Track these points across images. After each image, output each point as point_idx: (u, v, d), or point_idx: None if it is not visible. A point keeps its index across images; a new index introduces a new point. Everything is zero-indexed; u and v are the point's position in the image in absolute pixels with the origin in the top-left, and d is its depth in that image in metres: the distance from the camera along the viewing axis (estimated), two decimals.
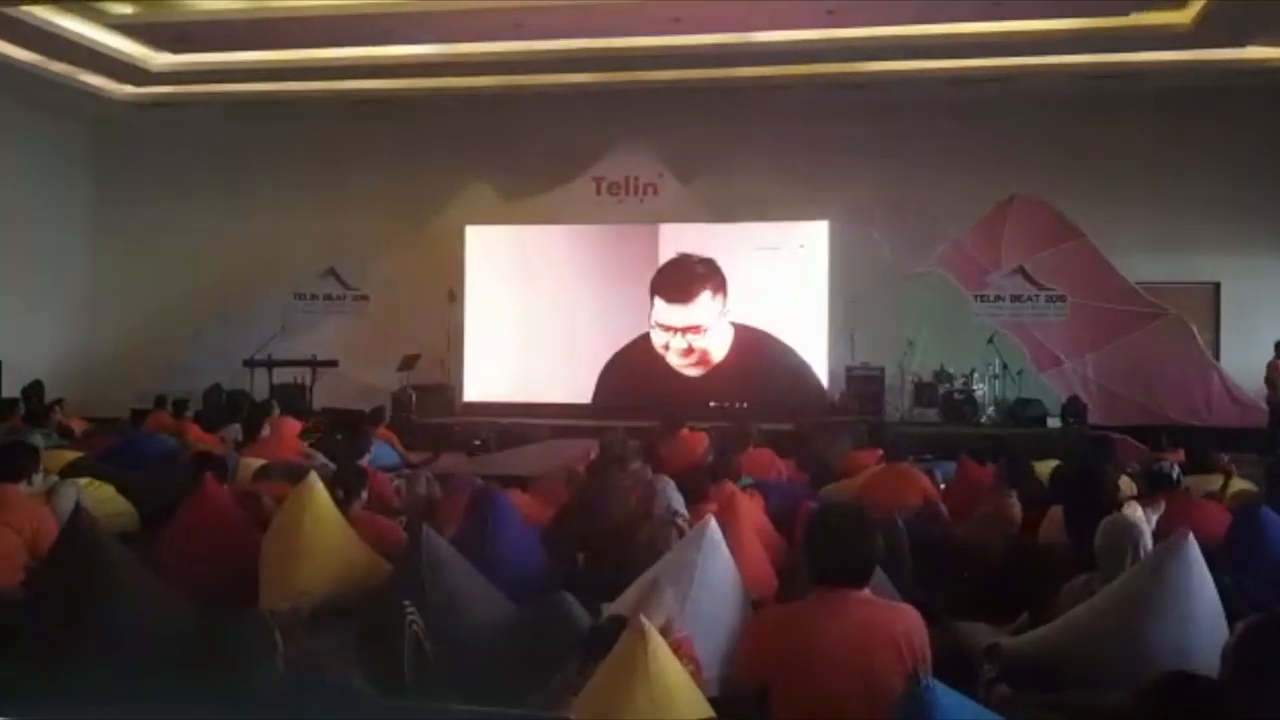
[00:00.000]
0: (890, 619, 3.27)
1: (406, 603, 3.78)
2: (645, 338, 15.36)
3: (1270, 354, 13.47)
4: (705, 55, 13.89)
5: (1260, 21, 12.37)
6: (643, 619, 2.82)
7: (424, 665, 3.66)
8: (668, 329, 15.26)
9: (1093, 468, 6.31)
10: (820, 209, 15.13)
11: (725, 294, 15.18)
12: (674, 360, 15.21)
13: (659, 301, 15.29)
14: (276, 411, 10.19)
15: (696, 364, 15.22)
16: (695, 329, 15.21)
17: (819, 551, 3.33)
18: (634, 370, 15.18)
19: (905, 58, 13.79)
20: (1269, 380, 13.49)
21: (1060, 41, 13.09)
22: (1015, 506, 6.08)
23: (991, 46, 13.26)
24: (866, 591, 3.30)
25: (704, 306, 15.22)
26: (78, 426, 10.72)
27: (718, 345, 15.21)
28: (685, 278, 15.23)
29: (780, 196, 15.14)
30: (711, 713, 2.82)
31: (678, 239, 15.50)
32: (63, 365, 15.67)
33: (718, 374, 15.10)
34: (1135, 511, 4.77)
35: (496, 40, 13.65)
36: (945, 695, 2.61)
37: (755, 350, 14.99)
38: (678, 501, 4.94)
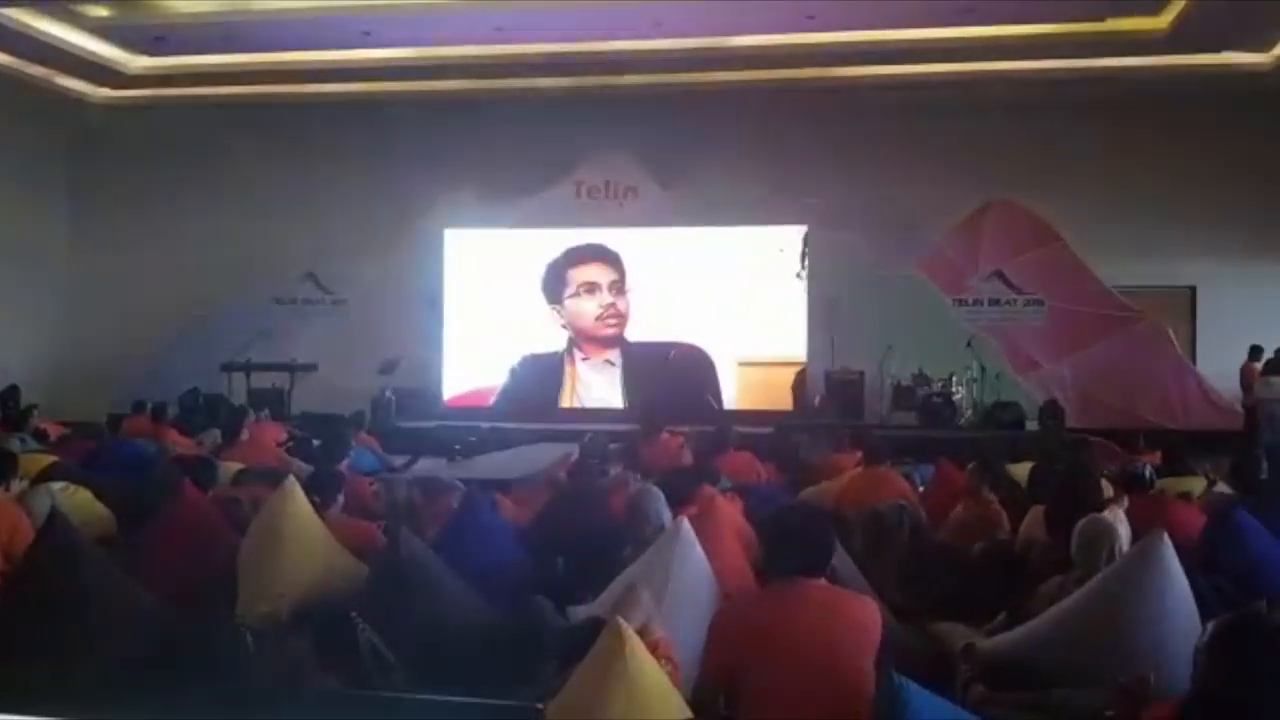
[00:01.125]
0: (851, 605, 3.41)
1: (354, 614, 3.77)
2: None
3: (1245, 358, 13.58)
4: (686, 59, 13.94)
5: (1236, 27, 12.49)
6: (620, 620, 2.82)
7: (387, 669, 3.65)
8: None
9: (1078, 468, 6.35)
10: (799, 213, 15.17)
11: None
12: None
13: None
14: (251, 416, 10.13)
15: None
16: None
17: (776, 545, 3.51)
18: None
19: (884, 62, 13.86)
20: (1244, 384, 13.59)
21: (1037, 46, 13.18)
22: (1001, 512, 6.11)
23: (970, 51, 13.34)
24: (822, 581, 3.44)
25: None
26: (53, 431, 10.64)
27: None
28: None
29: (760, 201, 15.17)
30: (689, 713, 2.83)
31: (657, 243, 15.52)
32: (39, 370, 15.56)
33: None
34: (1117, 514, 4.81)
35: (476, 44, 13.64)
36: (918, 694, 2.62)
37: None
38: (666, 516, 4.91)
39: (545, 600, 4.06)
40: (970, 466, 6.69)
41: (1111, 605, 3.72)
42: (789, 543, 3.46)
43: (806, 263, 15.17)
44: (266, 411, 12.09)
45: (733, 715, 3.18)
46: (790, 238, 15.24)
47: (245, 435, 9.24)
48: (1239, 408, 13.68)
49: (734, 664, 3.24)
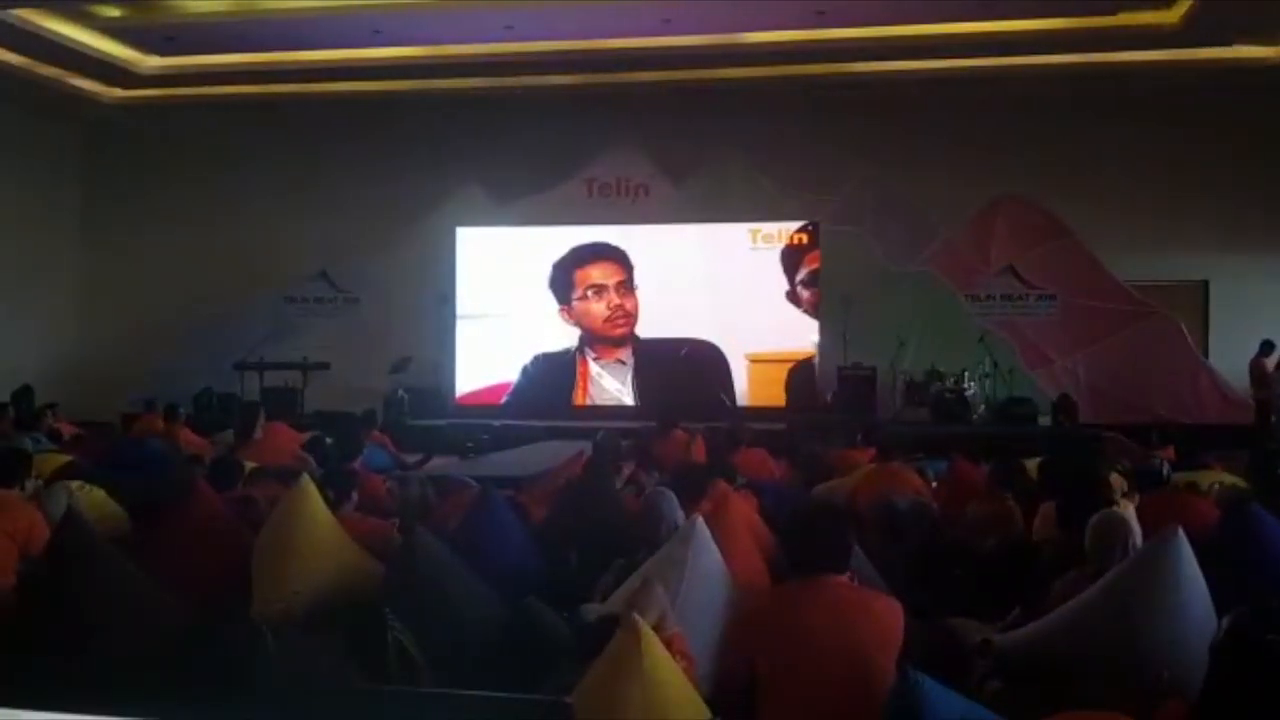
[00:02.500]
0: (873, 604, 3.42)
1: (388, 611, 3.78)
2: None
3: (1256, 352, 13.55)
4: (696, 56, 13.92)
5: (1247, 20, 12.45)
6: (636, 616, 2.82)
7: (412, 669, 3.66)
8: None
9: (1087, 463, 6.34)
10: (811, 209, 15.16)
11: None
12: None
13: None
14: (263, 416, 10.12)
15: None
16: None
17: (797, 541, 3.54)
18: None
19: (894, 58, 13.83)
20: (1254, 378, 13.55)
21: (1048, 41, 13.14)
22: (1015, 510, 6.10)
23: (980, 46, 13.30)
24: (844, 579, 3.45)
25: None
26: (67, 430, 10.66)
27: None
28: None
29: (771, 197, 15.17)
30: (705, 709, 2.83)
31: (669, 239, 15.52)
32: (52, 369, 15.62)
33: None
34: (1127, 509, 4.80)
35: (487, 42, 13.65)
36: (935, 690, 2.62)
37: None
38: (680, 517, 4.90)
39: (537, 602, 4.06)
40: (992, 465, 6.67)
41: (1126, 601, 3.70)
42: (808, 540, 3.47)
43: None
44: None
45: (755, 711, 3.18)
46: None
47: (259, 433, 9.26)
48: (1251, 401, 13.64)
49: (756, 660, 3.24)
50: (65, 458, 8.00)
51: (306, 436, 10.10)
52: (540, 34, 13.36)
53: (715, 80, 14.85)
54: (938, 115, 14.88)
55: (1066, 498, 5.16)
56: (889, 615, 3.37)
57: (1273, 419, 13.16)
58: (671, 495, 4.94)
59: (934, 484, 7.37)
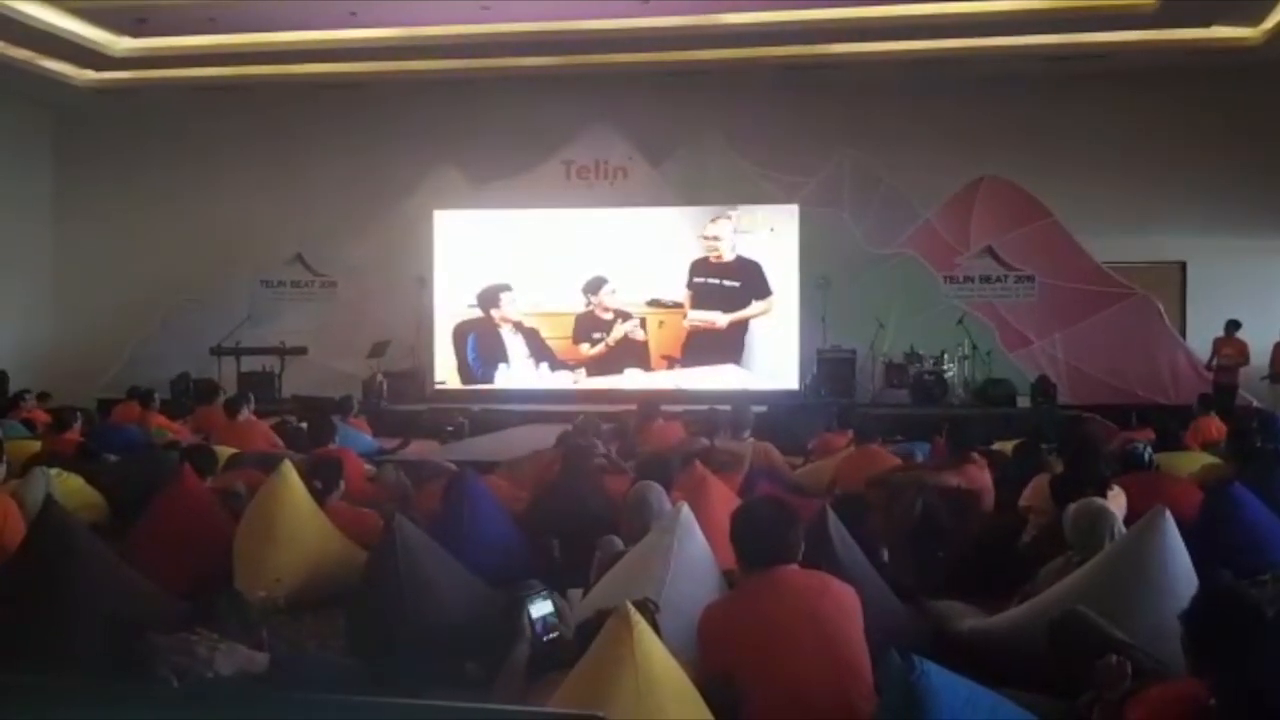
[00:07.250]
0: (832, 584, 3.47)
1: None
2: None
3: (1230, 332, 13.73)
4: (674, 37, 13.84)
5: (1225, 1, 12.47)
6: (629, 605, 2.80)
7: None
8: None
9: (1088, 442, 6.39)
10: (790, 192, 15.12)
11: None
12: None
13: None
14: (253, 404, 10.04)
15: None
16: None
17: (749, 539, 3.54)
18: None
19: (874, 39, 13.80)
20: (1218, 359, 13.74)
21: (1028, 21, 13.12)
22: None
23: (959, 27, 13.28)
24: (795, 566, 3.49)
25: None
26: (42, 419, 10.54)
27: None
28: None
29: (751, 180, 15.12)
30: (699, 697, 2.81)
31: (648, 223, 15.43)
32: (25, 356, 15.47)
33: None
34: (1117, 494, 4.83)
35: (463, 23, 13.54)
36: (937, 673, 2.60)
37: None
38: (668, 507, 4.88)
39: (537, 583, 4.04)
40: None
41: (1114, 583, 3.72)
42: (761, 535, 3.50)
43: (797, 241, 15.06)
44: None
45: (742, 701, 3.16)
46: (782, 217, 15.10)
47: (243, 417, 9.22)
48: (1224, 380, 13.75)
49: (732, 664, 3.25)
50: (38, 444, 7.95)
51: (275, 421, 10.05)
52: (517, 15, 13.25)
53: (693, 62, 14.78)
54: (916, 97, 14.86)
55: (1066, 473, 5.20)
56: (845, 592, 3.44)
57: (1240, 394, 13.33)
58: (659, 488, 4.92)
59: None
